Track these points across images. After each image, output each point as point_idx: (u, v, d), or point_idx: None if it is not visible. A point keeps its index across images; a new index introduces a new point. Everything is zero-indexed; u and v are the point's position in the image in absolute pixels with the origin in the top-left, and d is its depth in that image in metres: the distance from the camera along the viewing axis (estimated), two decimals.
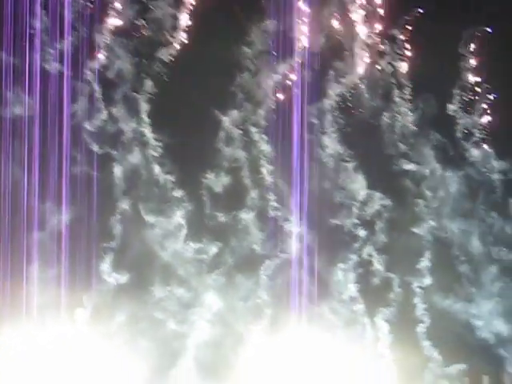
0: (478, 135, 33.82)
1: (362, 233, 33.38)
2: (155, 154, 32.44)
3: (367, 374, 32.73)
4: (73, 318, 31.16)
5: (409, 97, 33.47)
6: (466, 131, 33.82)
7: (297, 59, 32.85)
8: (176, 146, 32.19)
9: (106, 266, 31.55)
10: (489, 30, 32.97)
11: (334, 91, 33.21)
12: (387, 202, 33.27)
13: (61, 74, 31.51)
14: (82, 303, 31.18)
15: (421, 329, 32.67)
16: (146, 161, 32.41)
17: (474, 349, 32.37)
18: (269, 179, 33.10)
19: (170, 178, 32.36)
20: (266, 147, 33.00)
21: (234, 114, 32.79)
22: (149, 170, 32.46)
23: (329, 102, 33.23)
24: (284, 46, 32.73)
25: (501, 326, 32.63)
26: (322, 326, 32.50)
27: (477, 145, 33.78)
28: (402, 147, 33.57)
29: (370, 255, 33.34)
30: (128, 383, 30.98)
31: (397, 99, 33.49)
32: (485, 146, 33.71)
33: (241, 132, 32.96)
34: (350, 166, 33.50)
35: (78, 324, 31.12)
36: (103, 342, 31.11)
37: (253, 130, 33.06)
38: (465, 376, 32.96)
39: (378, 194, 33.41)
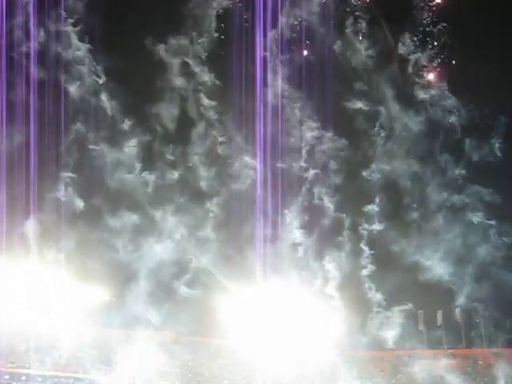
0: (431, 74, 33.36)
1: (311, 174, 32.63)
2: (99, 81, 30.73)
3: (316, 315, 32.15)
4: (26, 243, 30.09)
5: (363, 31, 32.64)
6: (419, 70, 33.27)
7: None
8: (119, 72, 30.45)
9: (61, 192, 30.67)
10: None
11: (287, 22, 32.01)
12: (339, 143, 32.56)
13: None
14: (36, 228, 30.08)
15: (368, 272, 32.20)
16: (91, 87, 30.71)
17: (426, 287, 32.03)
18: (215, 115, 31.94)
19: (116, 105, 30.83)
20: (208, 78, 31.73)
21: (177, 41, 31.30)
22: (94, 96, 30.78)
23: (281, 34, 32.04)
24: None
25: (449, 267, 32.29)
26: (271, 267, 31.49)
27: (430, 84, 33.29)
28: (355, 85, 32.76)
29: (321, 198, 32.61)
30: (79, 307, 30.65)
31: (350, 31, 32.56)
32: (438, 85, 33.22)
33: (181, 61, 31.54)
34: (299, 105, 32.56)
35: (31, 249, 30.12)
36: (55, 267, 30.39)
37: (195, 60, 31.73)
38: (419, 310, 33.32)
39: (328, 135, 32.65)
